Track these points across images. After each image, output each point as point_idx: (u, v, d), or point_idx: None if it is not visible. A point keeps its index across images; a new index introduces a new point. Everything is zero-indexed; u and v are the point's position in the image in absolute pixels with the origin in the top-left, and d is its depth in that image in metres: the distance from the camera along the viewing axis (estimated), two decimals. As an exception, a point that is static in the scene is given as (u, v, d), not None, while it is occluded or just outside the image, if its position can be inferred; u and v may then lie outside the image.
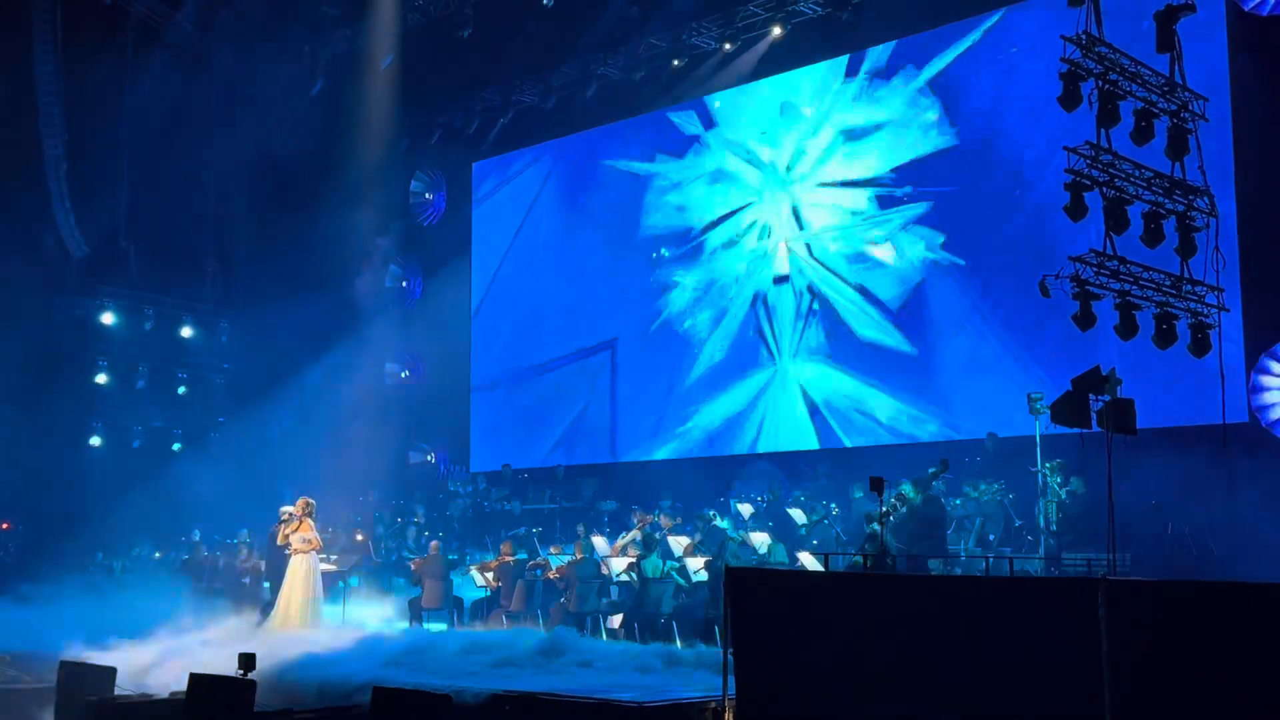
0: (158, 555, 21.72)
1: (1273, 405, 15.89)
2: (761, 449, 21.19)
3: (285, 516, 17.55)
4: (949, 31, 19.49)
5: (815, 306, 20.64)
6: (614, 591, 16.43)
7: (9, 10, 22.43)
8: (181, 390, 25.55)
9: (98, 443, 24.58)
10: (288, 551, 17.00)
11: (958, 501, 16.49)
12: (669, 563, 16.08)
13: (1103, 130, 12.97)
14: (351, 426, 23.38)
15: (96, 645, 14.37)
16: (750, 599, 9.97)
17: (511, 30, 23.04)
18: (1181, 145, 13.59)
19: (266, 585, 18.73)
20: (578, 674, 12.66)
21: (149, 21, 24.74)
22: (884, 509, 13.41)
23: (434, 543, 18.63)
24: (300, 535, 16.85)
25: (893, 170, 19.88)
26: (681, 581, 15.64)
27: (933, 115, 19.50)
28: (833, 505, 17.87)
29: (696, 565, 15.53)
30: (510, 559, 17.51)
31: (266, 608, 17.74)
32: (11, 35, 22.45)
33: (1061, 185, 12.92)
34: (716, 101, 22.37)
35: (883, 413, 19.67)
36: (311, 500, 17.28)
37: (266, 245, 25.68)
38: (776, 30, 21.10)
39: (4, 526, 23.53)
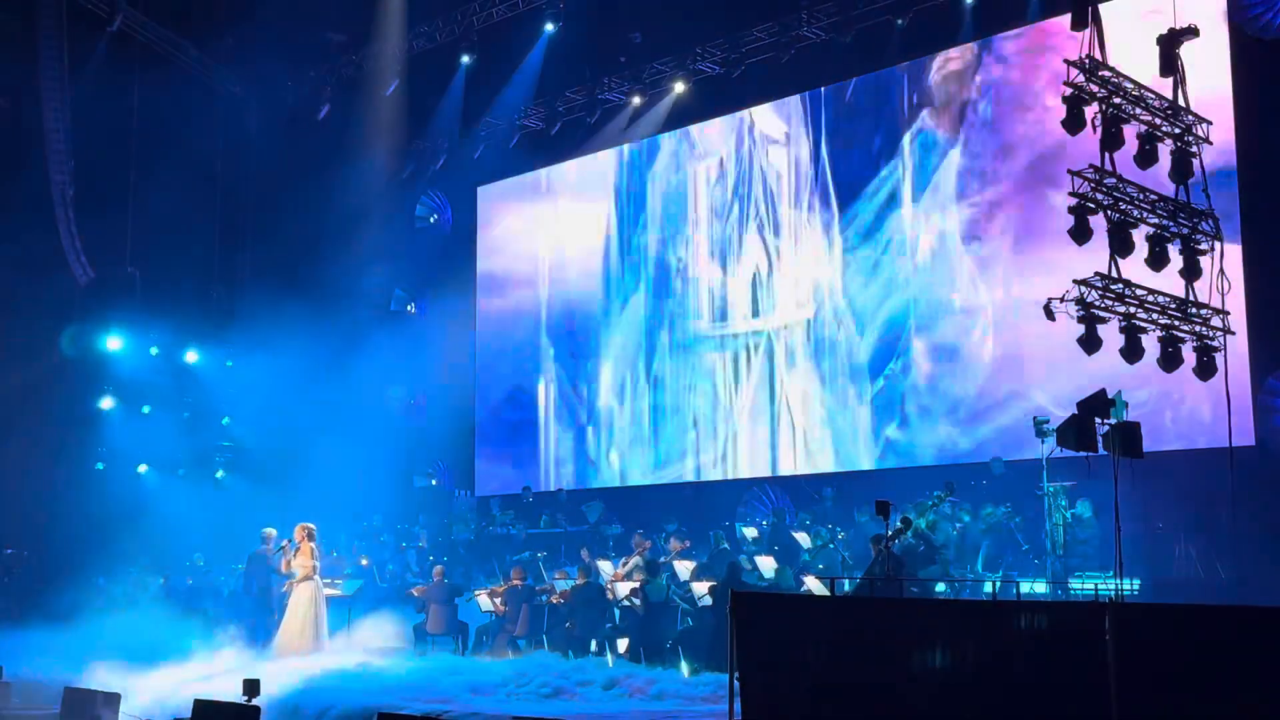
0: (162, 581, 21.66)
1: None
2: (766, 472, 21.18)
3: (271, 540, 17.70)
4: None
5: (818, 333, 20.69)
6: (617, 616, 16.38)
7: (15, 37, 22.51)
8: (186, 415, 25.53)
9: (102, 468, 24.54)
10: (287, 576, 17.03)
11: (965, 520, 16.43)
12: (674, 587, 16.04)
13: (1106, 154, 13.00)
14: (356, 451, 23.35)
15: (101, 671, 14.33)
16: (756, 623, 9.94)
17: (515, 56, 23.12)
18: (1185, 169, 13.62)
19: (250, 609, 18.77)
20: (583, 699, 12.64)
21: (155, 48, 24.84)
22: (890, 532, 13.38)
23: (438, 568, 18.57)
24: (300, 561, 16.83)
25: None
26: (687, 606, 15.60)
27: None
28: (838, 529, 17.84)
29: (702, 590, 15.48)
30: (519, 583, 17.46)
31: (250, 629, 17.82)
32: (18, 62, 22.52)
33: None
34: (722, 125, 22.49)
35: (890, 436, 19.69)
36: (311, 525, 17.26)
37: (271, 270, 25.71)
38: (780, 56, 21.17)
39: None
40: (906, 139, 19.91)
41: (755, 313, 21.70)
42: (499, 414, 25.48)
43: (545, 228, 25.16)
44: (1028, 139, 18.56)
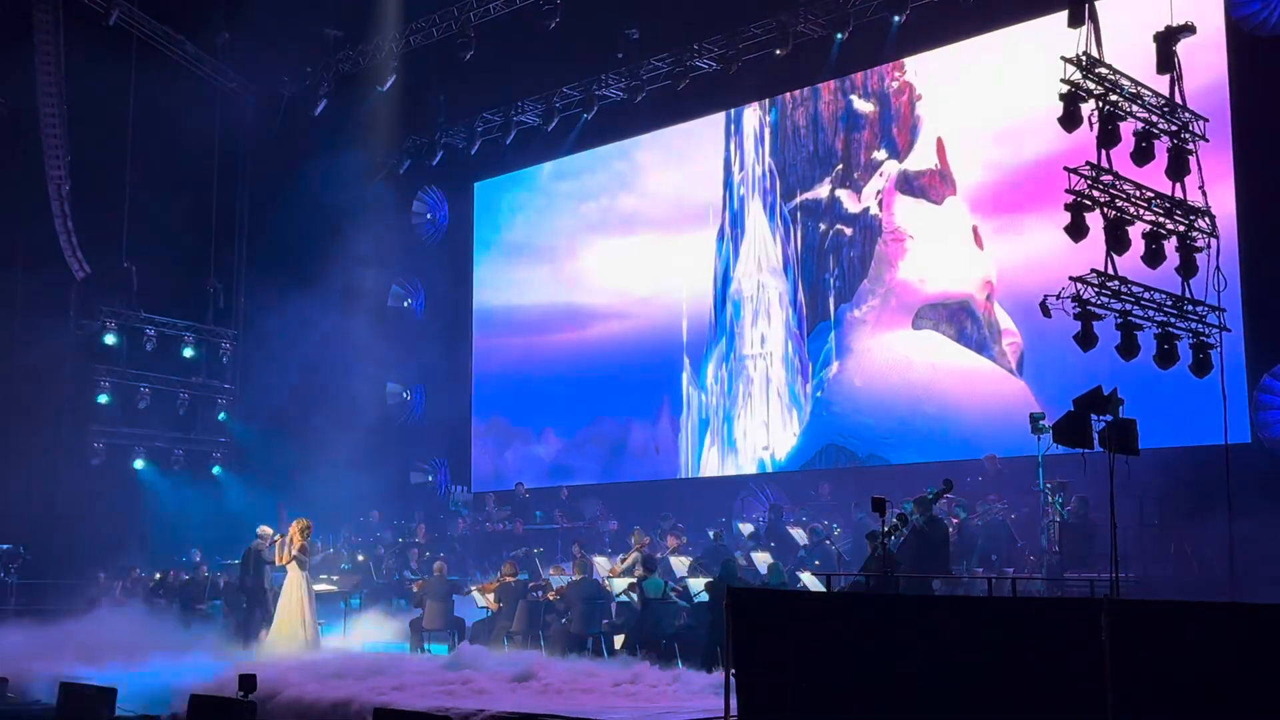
0: (158, 576, 21.65)
1: (1275, 425, 15.86)
2: (763, 469, 21.20)
3: (266, 538, 17.72)
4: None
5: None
6: (614, 612, 16.37)
7: (11, 32, 22.47)
8: (183, 411, 25.52)
9: (99, 463, 24.53)
10: (282, 572, 17.09)
11: (962, 516, 16.42)
12: (670, 583, 16.03)
13: (1103, 151, 13.01)
14: (353, 446, 23.35)
15: (96, 666, 14.32)
16: (752, 619, 9.93)
17: (513, 51, 23.11)
18: (1182, 166, 13.64)
19: (243, 605, 18.76)
20: (578, 695, 12.60)
21: (152, 42, 24.81)
22: (886, 529, 13.35)
23: (439, 564, 18.53)
24: (293, 554, 16.85)
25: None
26: (683, 602, 15.59)
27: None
28: (834, 525, 17.84)
29: (698, 586, 15.47)
30: (511, 579, 17.45)
31: (243, 625, 17.89)
32: (14, 57, 22.48)
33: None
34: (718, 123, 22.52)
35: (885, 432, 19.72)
36: (307, 521, 17.26)
37: (267, 265, 25.70)
38: (778, 51, 21.12)
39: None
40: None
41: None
42: (497, 410, 25.47)
43: (544, 224, 25.14)
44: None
